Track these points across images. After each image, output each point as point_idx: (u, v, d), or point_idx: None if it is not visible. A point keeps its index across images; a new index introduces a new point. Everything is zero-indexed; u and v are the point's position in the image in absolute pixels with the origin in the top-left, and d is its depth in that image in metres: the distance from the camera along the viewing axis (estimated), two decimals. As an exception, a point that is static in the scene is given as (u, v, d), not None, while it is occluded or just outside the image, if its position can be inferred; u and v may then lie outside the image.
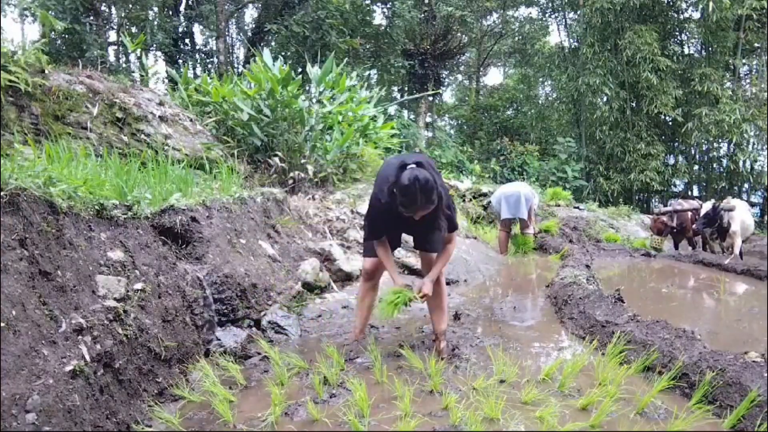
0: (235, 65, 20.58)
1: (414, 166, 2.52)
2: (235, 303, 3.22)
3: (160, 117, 5.26)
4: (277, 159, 6.07)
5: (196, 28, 20.20)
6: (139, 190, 3.16)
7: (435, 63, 19.56)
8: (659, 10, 16.12)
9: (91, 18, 15.07)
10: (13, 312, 1.78)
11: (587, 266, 5.40)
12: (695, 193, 17.49)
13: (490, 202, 9.03)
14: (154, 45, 16.77)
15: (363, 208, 5.88)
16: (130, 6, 16.92)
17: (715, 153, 16.39)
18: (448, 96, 27.40)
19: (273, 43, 17.47)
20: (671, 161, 16.82)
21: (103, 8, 16.39)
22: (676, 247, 8.89)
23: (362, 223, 5.62)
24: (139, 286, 2.52)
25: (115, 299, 2.33)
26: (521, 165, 16.88)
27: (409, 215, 2.55)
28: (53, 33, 13.99)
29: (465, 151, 17.72)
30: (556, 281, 4.58)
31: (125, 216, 2.77)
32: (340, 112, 7.08)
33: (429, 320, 3.62)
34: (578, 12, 17.81)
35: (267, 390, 2.37)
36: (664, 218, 8.27)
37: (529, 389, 2.28)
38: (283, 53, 15.03)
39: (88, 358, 2.00)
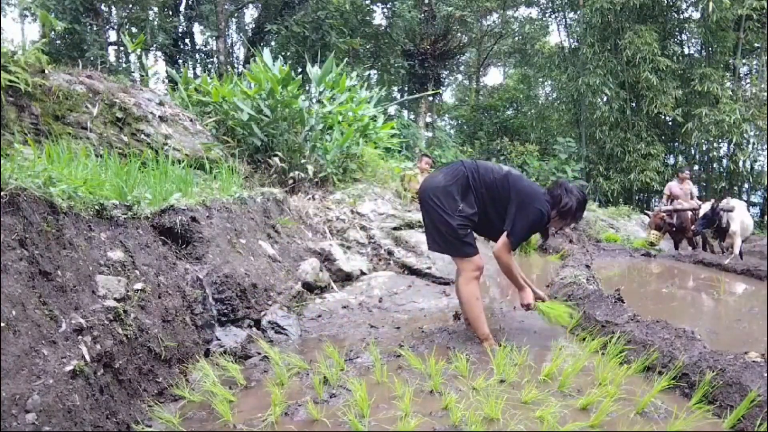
0: (235, 65, 20.58)
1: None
2: (235, 303, 3.22)
3: (160, 117, 5.26)
4: (277, 159, 6.07)
5: (196, 28, 20.23)
6: (139, 190, 3.16)
7: (435, 63, 19.55)
8: (659, 10, 16.13)
9: (91, 18, 15.07)
10: (13, 312, 1.78)
11: (587, 266, 5.40)
12: (695, 193, 17.46)
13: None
14: (154, 45, 16.77)
15: (363, 208, 5.88)
16: (130, 6, 16.92)
17: (715, 153, 16.39)
18: (448, 96, 27.45)
19: (273, 43, 17.48)
20: (671, 161, 16.83)
21: (103, 8, 16.38)
22: (677, 247, 8.88)
23: (362, 223, 5.62)
24: (139, 286, 2.52)
25: (115, 299, 2.33)
26: (521, 165, 16.88)
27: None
28: (53, 33, 14.00)
29: (465, 151, 17.73)
30: (556, 281, 4.58)
31: (125, 216, 2.77)
32: (340, 112, 7.08)
33: (428, 320, 3.63)
34: (578, 12, 17.81)
35: (267, 390, 2.37)
36: (664, 215, 8.29)
37: (529, 389, 2.28)
38: (283, 53, 15.03)
39: (88, 358, 2.00)
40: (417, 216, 6.18)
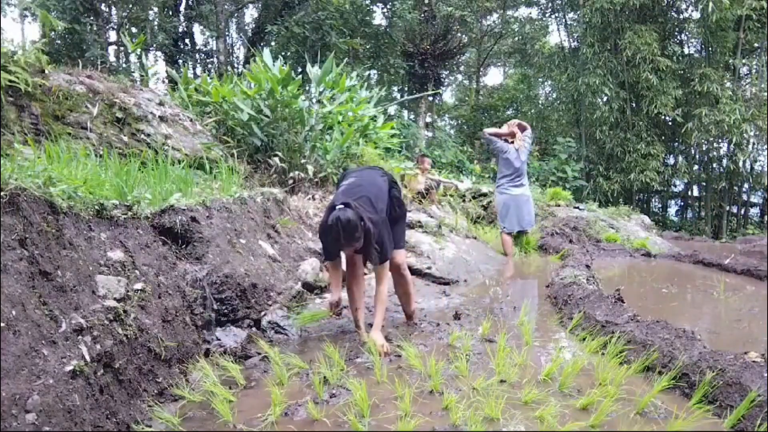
0: (235, 65, 20.57)
1: (342, 206, 2.76)
2: (235, 303, 3.22)
3: (160, 117, 5.25)
4: (277, 159, 6.07)
5: (196, 28, 20.19)
6: (139, 190, 3.16)
7: (435, 63, 19.52)
8: (659, 10, 16.11)
9: (91, 18, 15.07)
10: (13, 312, 1.78)
11: (587, 266, 5.39)
12: (695, 193, 17.46)
13: (490, 201, 9.02)
14: (154, 45, 16.77)
15: (363, 208, 5.88)
16: (130, 6, 16.92)
17: (715, 153, 16.37)
18: (448, 96, 27.40)
19: (273, 43, 17.45)
20: (671, 161, 16.81)
21: (103, 8, 16.39)
22: None
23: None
24: (139, 286, 2.52)
25: (115, 299, 2.33)
26: (521, 165, 16.81)
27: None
28: (53, 33, 14.01)
29: (465, 151, 17.73)
30: (556, 281, 4.58)
31: (125, 216, 2.77)
32: (340, 112, 7.07)
33: (428, 319, 3.63)
34: (578, 12, 17.80)
35: (267, 390, 2.37)
36: None
37: (529, 389, 2.28)
38: (283, 53, 15.01)
39: (88, 358, 2.00)
40: (417, 216, 6.18)
